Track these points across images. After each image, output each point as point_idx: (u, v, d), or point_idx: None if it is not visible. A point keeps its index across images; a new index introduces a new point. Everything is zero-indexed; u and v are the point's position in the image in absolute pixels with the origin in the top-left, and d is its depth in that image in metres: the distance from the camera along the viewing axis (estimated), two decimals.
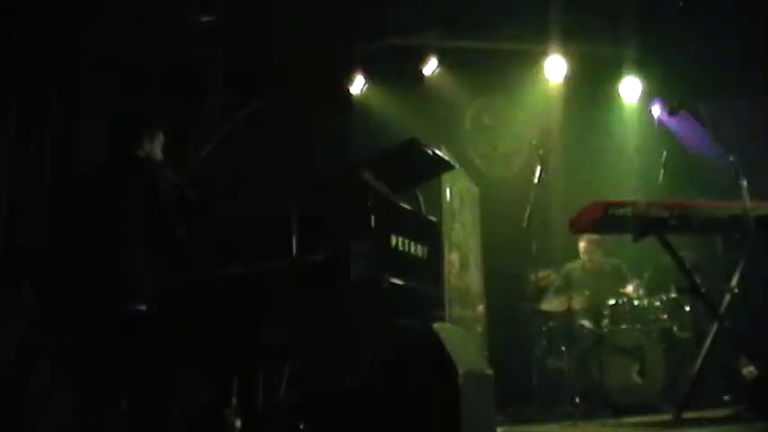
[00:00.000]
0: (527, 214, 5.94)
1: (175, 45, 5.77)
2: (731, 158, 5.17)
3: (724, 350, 5.49)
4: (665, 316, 6.33)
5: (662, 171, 5.81)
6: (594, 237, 6.76)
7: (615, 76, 7.64)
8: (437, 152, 4.11)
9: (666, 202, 5.09)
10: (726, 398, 5.81)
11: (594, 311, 6.44)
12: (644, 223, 5.00)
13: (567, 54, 7.30)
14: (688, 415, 4.95)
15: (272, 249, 3.58)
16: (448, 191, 5.83)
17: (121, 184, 4.01)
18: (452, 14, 6.97)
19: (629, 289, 6.56)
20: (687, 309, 6.26)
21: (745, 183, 5.02)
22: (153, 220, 3.92)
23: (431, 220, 4.13)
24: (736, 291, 5.09)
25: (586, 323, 6.41)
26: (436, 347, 3.43)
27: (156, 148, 4.17)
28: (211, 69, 5.93)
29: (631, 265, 6.79)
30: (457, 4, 6.86)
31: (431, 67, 7.31)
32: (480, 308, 6.44)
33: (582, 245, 6.89)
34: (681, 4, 6.66)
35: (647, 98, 7.72)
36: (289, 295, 3.50)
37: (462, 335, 4.23)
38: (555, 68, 7.35)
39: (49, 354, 3.91)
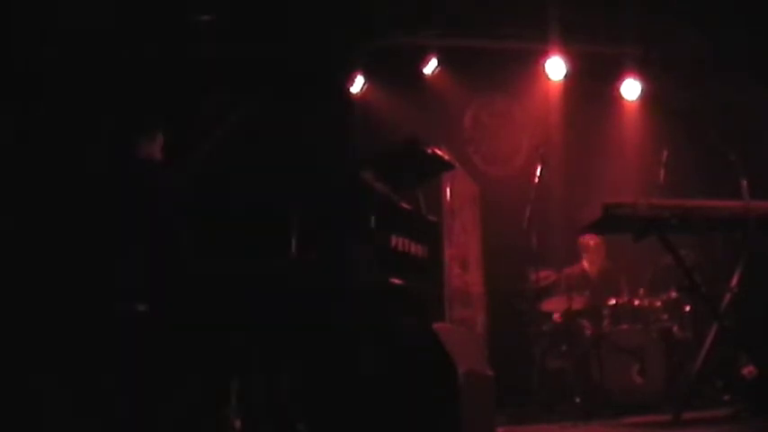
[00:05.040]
0: (527, 214, 5.94)
1: (175, 45, 5.77)
2: (731, 158, 5.17)
3: (724, 350, 5.49)
4: (665, 316, 6.33)
5: (662, 170, 5.81)
6: (599, 237, 6.76)
7: (615, 74, 7.63)
8: (437, 152, 4.10)
9: (666, 202, 5.08)
10: (726, 398, 5.81)
11: (594, 312, 6.44)
12: (644, 223, 5.01)
13: (566, 53, 7.29)
14: (688, 415, 4.95)
15: (272, 249, 3.58)
16: (448, 191, 5.83)
17: (120, 184, 4.00)
18: (452, 14, 6.96)
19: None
20: (687, 309, 6.26)
21: (745, 183, 5.02)
22: (152, 220, 3.92)
23: (431, 220, 4.13)
24: (736, 291, 5.09)
25: (586, 323, 6.41)
26: (436, 347, 3.43)
27: (155, 148, 4.17)
28: (211, 69, 5.93)
29: (631, 266, 6.78)
30: (457, 3, 6.85)
31: (431, 67, 7.30)
32: (480, 308, 6.44)
33: (588, 245, 6.87)
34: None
35: (647, 97, 7.72)
36: (288, 295, 3.49)
37: (462, 335, 4.23)
38: (555, 68, 7.35)
39: (49, 353, 3.90)
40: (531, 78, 7.60)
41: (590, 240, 6.83)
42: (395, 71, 7.34)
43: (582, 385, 6.05)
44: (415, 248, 3.80)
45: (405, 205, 3.89)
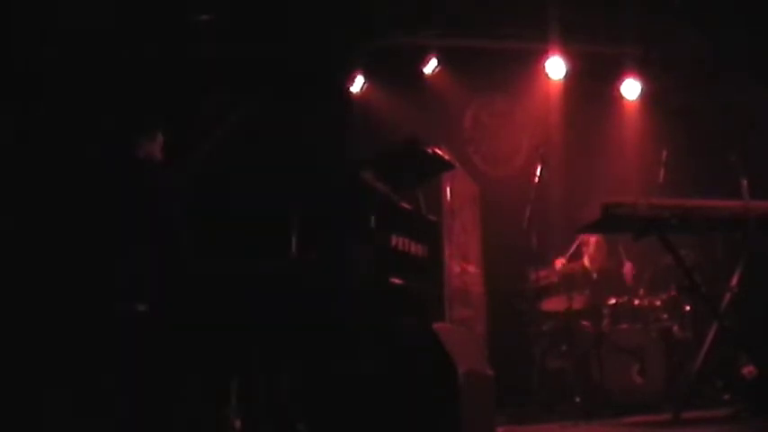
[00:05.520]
0: (527, 214, 5.94)
1: (175, 45, 5.77)
2: (731, 158, 5.17)
3: (724, 350, 5.49)
4: (665, 316, 6.33)
5: (662, 170, 5.80)
6: (600, 237, 6.75)
7: (615, 74, 7.63)
8: (437, 152, 4.10)
9: (666, 201, 5.08)
10: (726, 398, 5.81)
11: (594, 311, 6.44)
12: (644, 223, 5.00)
13: (566, 53, 7.29)
14: (688, 415, 4.95)
15: (272, 249, 3.58)
16: (448, 191, 5.83)
17: (121, 184, 4.00)
18: (452, 14, 6.96)
19: (627, 267, 6.60)
20: (687, 309, 6.26)
21: (745, 183, 5.02)
22: (152, 220, 3.92)
23: (431, 220, 4.13)
24: (736, 291, 5.09)
25: (586, 323, 6.41)
26: (436, 347, 3.43)
27: (155, 148, 4.17)
28: (211, 69, 5.93)
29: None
30: (457, 3, 6.85)
31: (431, 66, 7.30)
32: (480, 308, 6.44)
33: (589, 244, 6.86)
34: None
35: (647, 97, 7.72)
36: (289, 295, 3.49)
37: (462, 335, 4.23)
38: (555, 67, 7.34)
39: (49, 353, 3.90)
40: (531, 78, 7.60)
41: (591, 238, 6.83)
42: (395, 71, 7.34)
43: (582, 385, 6.04)
44: (415, 248, 3.80)
45: (405, 205, 3.89)
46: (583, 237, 6.81)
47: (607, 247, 6.85)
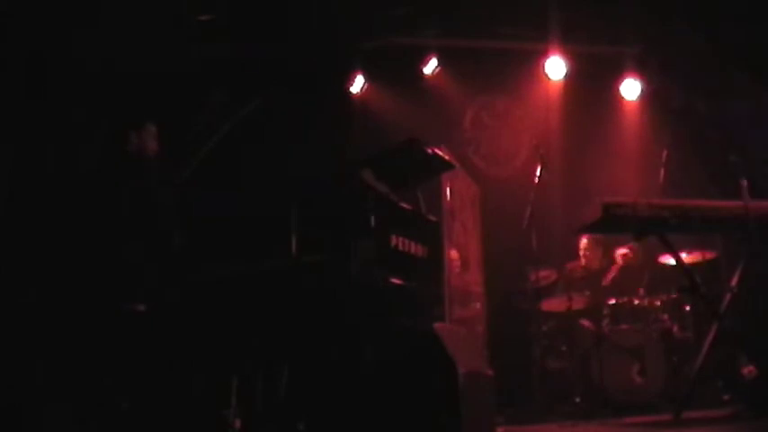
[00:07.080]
0: (527, 214, 5.94)
1: (175, 44, 5.77)
2: (731, 158, 5.17)
3: (724, 350, 5.49)
4: (665, 316, 6.33)
5: (662, 170, 5.80)
6: (594, 236, 6.76)
7: (615, 75, 7.63)
8: (437, 152, 4.11)
9: (666, 201, 5.09)
10: (726, 398, 5.81)
11: (594, 311, 6.44)
12: (644, 223, 5.01)
13: (566, 53, 7.29)
14: (688, 415, 4.95)
15: (272, 249, 3.58)
16: (448, 191, 5.83)
17: (112, 182, 3.98)
18: (452, 14, 6.96)
19: (622, 251, 6.60)
20: (687, 309, 6.27)
21: (745, 183, 5.02)
22: (147, 217, 3.91)
23: (431, 220, 4.13)
24: (735, 291, 5.09)
25: (586, 323, 6.41)
26: (436, 348, 3.43)
27: (146, 140, 4.09)
28: (211, 69, 5.92)
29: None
30: (457, 3, 6.85)
31: (431, 67, 7.30)
32: (480, 308, 6.44)
33: (582, 244, 6.88)
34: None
35: (647, 97, 7.72)
36: (288, 295, 3.50)
37: (462, 335, 4.23)
38: (555, 67, 7.34)
39: (48, 354, 3.90)
40: (531, 78, 7.59)
41: (582, 240, 6.85)
42: (395, 71, 7.34)
43: (582, 385, 6.04)
44: (415, 248, 3.80)
45: (405, 205, 3.89)
46: (579, 237, 6.84)
47: (602, 248, 6.87)
